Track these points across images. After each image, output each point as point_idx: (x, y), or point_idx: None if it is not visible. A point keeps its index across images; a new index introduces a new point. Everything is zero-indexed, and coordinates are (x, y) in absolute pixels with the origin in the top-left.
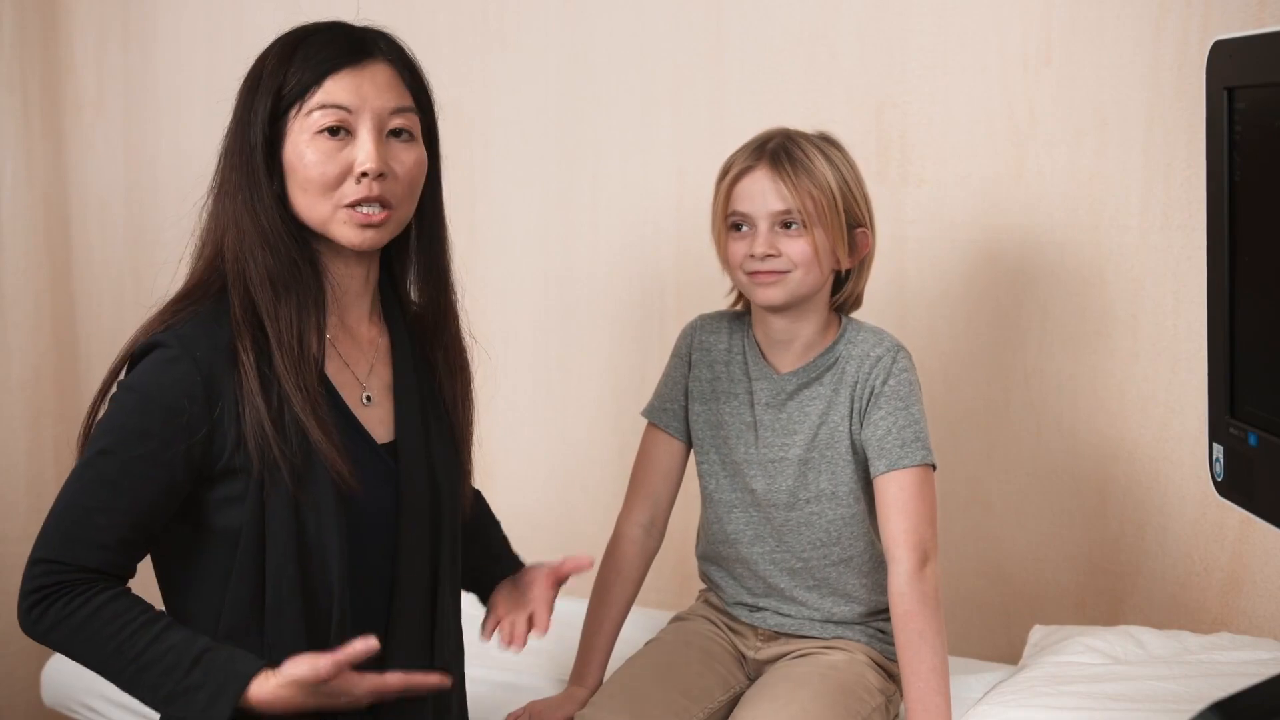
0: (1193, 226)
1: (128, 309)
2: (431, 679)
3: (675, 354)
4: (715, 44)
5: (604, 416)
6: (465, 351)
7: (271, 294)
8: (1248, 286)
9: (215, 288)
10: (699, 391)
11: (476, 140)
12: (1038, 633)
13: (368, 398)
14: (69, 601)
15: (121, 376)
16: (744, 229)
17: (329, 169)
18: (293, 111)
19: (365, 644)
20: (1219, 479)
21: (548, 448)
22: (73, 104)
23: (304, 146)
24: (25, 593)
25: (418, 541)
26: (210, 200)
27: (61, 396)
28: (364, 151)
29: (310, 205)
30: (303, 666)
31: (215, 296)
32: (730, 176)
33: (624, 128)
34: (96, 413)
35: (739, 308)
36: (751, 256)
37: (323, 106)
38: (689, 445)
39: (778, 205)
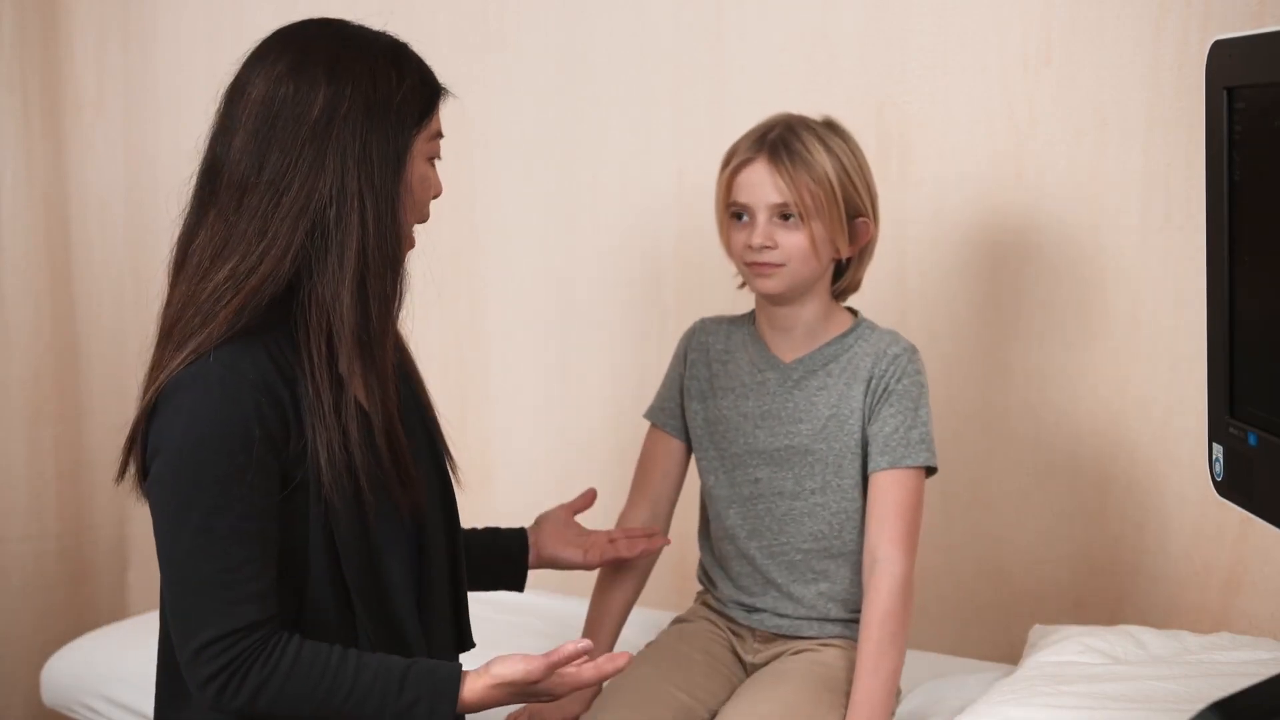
0: (1193, 227)
1: (128, 309)
2: (618, 660)
3: (674, 356)
4: (715, 44)
5: (604, 416)
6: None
7: (369, 312)
8: (1248, 286)
9: (265, 305)
10: (695, 390)
11: (476, 140)
12: (1037, 632)
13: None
14: (264, 665)
15: (165, 403)
16: (744, 219)
17: (432, 193)
18: (415, 132)
19: (576, 646)
20: (1219, 479)
21: (548, 448)
22: (73, 104)
23: (425, 169)
24: (208, 677)
25: (435, 535)
26: (306, 219)
27: (61, 396)
28: (439, 178)
29: (409, 224)
30: (516, 668)
31: (262, 316)
32: (731, 167)
33: (624, 128)
34: (131, 448)
35: (748, 292)
36: (749, 247)
37: (439, 134)
38: (689, 445)
39: (775, 198)
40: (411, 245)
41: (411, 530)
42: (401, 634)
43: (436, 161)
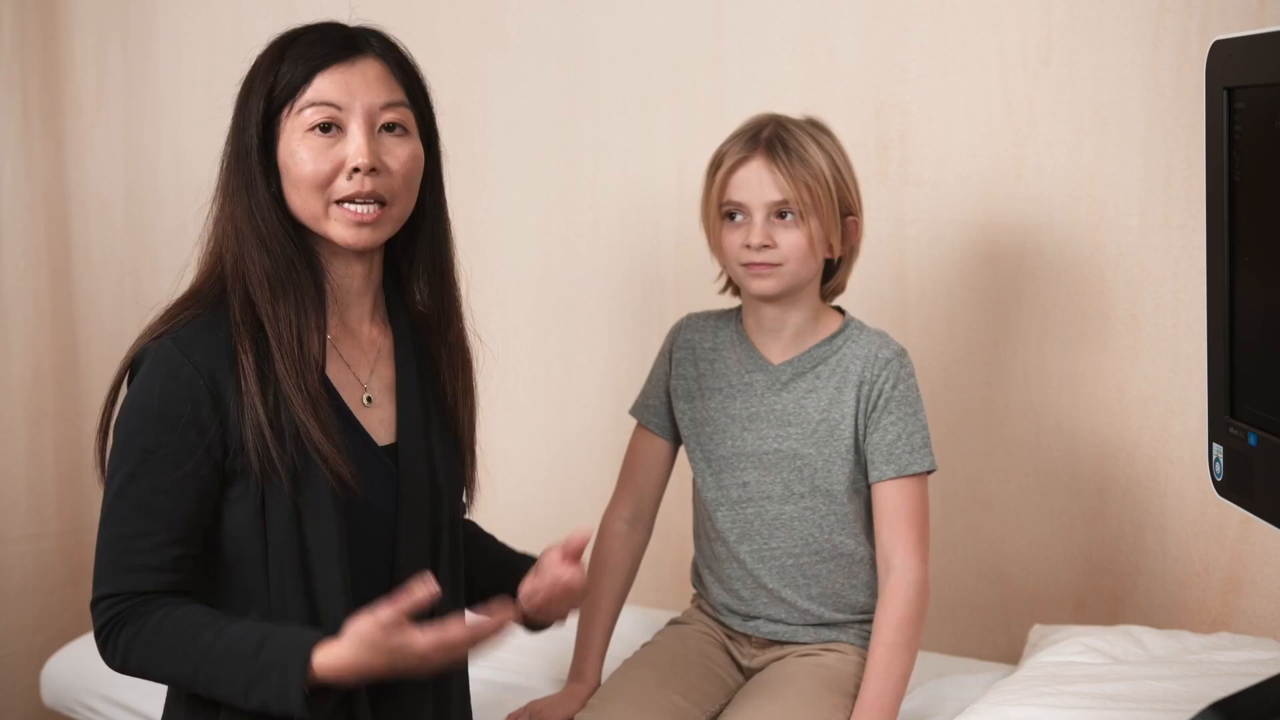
0: (1193, 226)
1: (128, 309)
2: (497, 618)
3: (660, 352)
4: (715, 44)
5: (603, 416)
6: (468, 349)
7: (269, 295)
8: (1248, 286)
9: (216, 290)
10: (682, 390)
11: (476, 140)
12: (1037, 632)
13: (368, 399)
14: (133, 624)
15: (125, 385)
16: (739, 218)
17: (320, 166)
18: (285, 111)
19: (425, 588)
20: (1219, 479)
21: (547, 447)
22: (73, 104)
23: (295, 145)
24: (96, 632)
25: (417, 544)
26: (214, 203)
27: (61, 396)
28: (354, 146)
29: (303, 203)
30: (364, 618)
31: (216, 299)
32: (726, 167)
33: (624, 128)
34: (107, 431)
35: (731, 295)
36: (747, 247)
37: (312, 104)
38: (675, 442)
39: (774, 195)
40: (341, 221)
41: (382, 529)
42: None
43: (354, 129)
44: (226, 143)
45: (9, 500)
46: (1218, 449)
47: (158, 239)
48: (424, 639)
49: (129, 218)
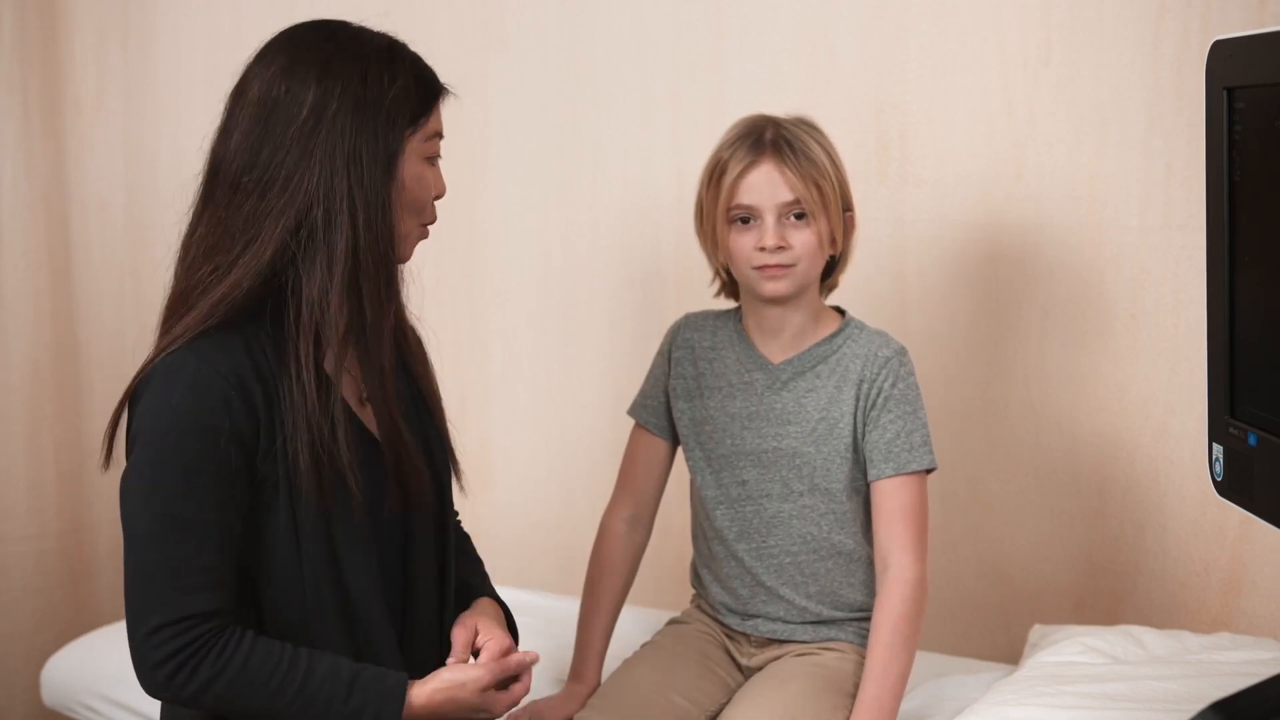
0: (1193, 226)
1: (128, 309)
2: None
3: (659, 351)
4: (715, 44)
5: (603, 416)
6: (413, 327)
7: (340, 342)
8: (1248, 286)
9: (253, 307)
10: (682, 389)
11: (476, 140)
12: (1037, 632)
13: (366, 398)
14: (217, 657)
15: (127, 406)
16: (750, 222)
17: (433, 193)
18: (408, 132)
19: (524, 658)
20: (1219, 479)
21: (547, 447)
22: (73, 104)
23: (421, 168)
24: (158, 662)
25: (427, 538)
26: (290, 217)
27: (61, 396)
28: (442, 177)
29: (405, 224)
30: (466, 671)
31: (241, 313)
32: (734, 173)
33: (624, 128)
34: (113, 435)
35: (726, 299)
36: (761, 250)
37: (437, 134)
38: (673, 442)
39: (787, 196)
40: (415, 241)
41: (393, 526)
42: (361, 639)
43: (439, 161)
44: (328, 158)
45: (9, 500)
46: (1218, 449)
47: (158, 239)
48: (503, 701)
49: (129, 218)
